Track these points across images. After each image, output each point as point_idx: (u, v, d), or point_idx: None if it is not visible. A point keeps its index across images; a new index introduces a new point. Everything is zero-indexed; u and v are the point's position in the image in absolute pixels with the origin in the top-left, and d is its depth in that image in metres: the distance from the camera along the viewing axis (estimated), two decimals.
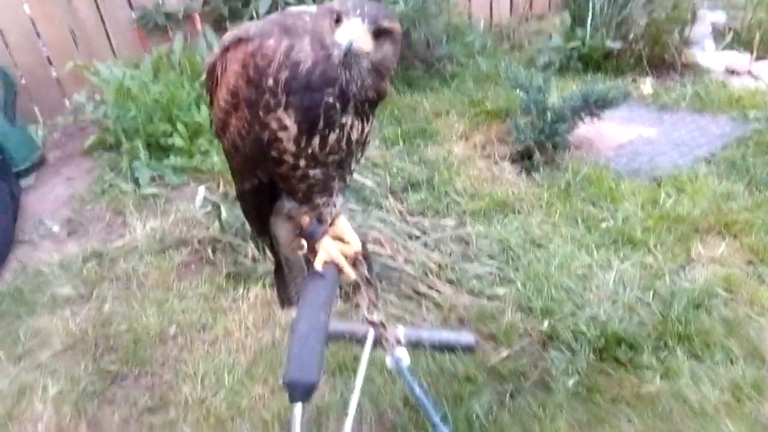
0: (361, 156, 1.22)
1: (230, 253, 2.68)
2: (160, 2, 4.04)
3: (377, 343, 2.06)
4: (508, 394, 1.95)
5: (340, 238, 1.38)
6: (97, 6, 3.93)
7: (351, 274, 1.38)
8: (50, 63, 3.95)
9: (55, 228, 3.00)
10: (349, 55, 0.95)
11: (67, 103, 4.01)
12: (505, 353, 2.11)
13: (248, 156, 1.13)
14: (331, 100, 0.98)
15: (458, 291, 2.45)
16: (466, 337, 2.21)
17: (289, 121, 1.03)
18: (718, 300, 2.23)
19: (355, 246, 1.40)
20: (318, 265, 1.31)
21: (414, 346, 2.09)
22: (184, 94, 3.42)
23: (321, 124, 1.01)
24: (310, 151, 1.07)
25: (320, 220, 1.33)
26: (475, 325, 2.26)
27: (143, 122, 3.30)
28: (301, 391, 1.23)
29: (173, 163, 3.28)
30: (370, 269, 1.49)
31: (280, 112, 1.03)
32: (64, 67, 3.71)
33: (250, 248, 2.60)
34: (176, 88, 3.41)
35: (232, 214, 2.74)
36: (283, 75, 0.99)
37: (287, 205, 1.25)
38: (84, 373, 2.16)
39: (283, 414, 1.97)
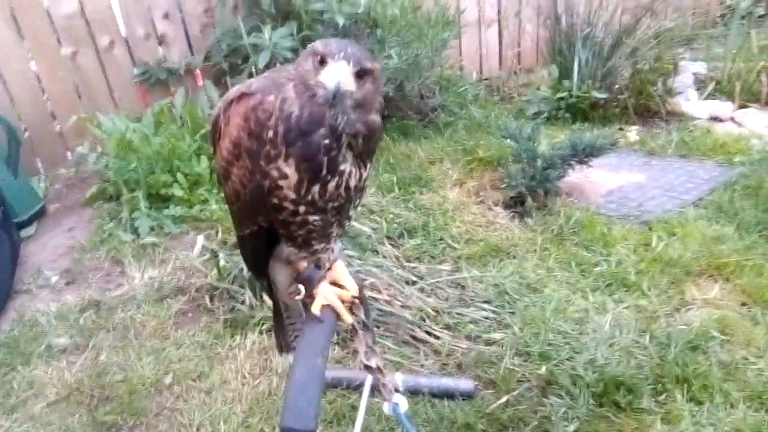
0: (359, 202, 1.27)
1: (228, 301, 2.69)
2: (162, 58, 4.20)
3: (375, 390, 2.06)
4: None
5: (337, 283, 1.41)
6: (101, 62, 4.08)
7: (348, 318, 1.40)
8: (54, 117, 4.06)
9: (54, 278, 3.01)
10: (337, 96, 1.01)
11: (69, 155, 4.10)
12: (504, 399, 2.09)
13: (249, 203, 1.18)
14: (327, 141, 1.04)
15: (456, 336, 2.46)
16: (465, 383, 2.22)
17: (289, 170, 1.09)
18: (714, 342, 2.24)
19: (352, 291, 1.43)
20: (315, 309, 1.34)
21: (412, 392, 2.09)
22: (185, 146, 3.51)
23: (324, 169, 1.06)
24: (309, 198, 1.12)
25: (318, 266, 1.37)
26: (473, 371, 2.26)
27: (144, 173, 3.37)
28: None
29: (173, 212, 3.33)
30: (367, 314, 1.51)
31: (280, 162, 1.09)
32: (67, 120, 3.81)
33: (248, 295, 2.61)
34: (177, 140, 3.50)
35: (230, 261, 2.77)
36: (281, 128, 1.06)
37: (286, 250, 1.29)
38: (78, 425, 2.13)
39: None
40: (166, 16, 4.20)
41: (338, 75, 1.02)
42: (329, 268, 1.39)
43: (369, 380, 1.82)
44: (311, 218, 1.16)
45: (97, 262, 3.11)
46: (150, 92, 4.22)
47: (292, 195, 1.11)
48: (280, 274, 1.41)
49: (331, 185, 1.10)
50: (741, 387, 2.04)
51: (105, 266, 3.07)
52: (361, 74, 1.05)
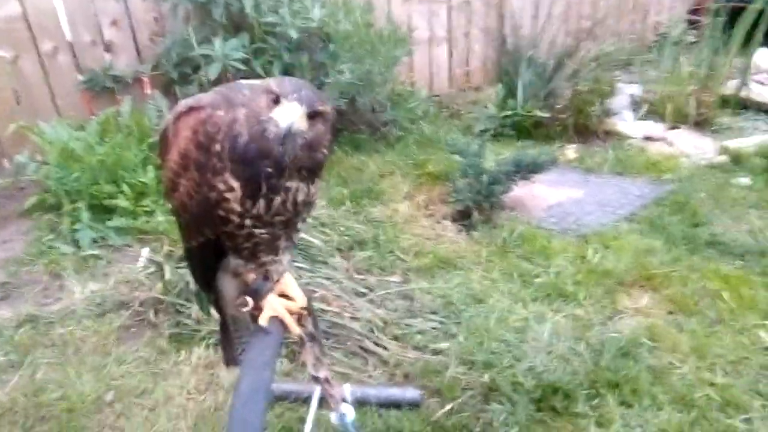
0: (308, 216, 1.30)
1: (173, 315, 2.65)
2: (109, 65, 4.10)
3: (323, 401, 2.08)
4: None
5: (285, 295, 1.44)
6: (43, 67, 3.95)
7: (296, 330, 1.42)
8: None
9: None
10: (288, 135, 1.06)
11: (6, 164, 3.93)
12: (448, 407, 2.16)
13: (196, 215, 1.20)
14: (269, 170, 1.07)
15: (403, 347, 2.51)
16: (412, 393, 2.26)
17: (235, 183, 1.11)
18: (643, 348, 2.38)
19: (300, 302, 1.45)
20: (263, 321, 1.36)
21: (360, 403, 2.12)
22: (131, 156, 3.44)
23: (263, 189, 1.10)
24: (255, 212, 1.15)
25: (266, 277, 1.39)
26: (420, 381, 2.31)
27: (87, 183, 3.28)
28: None
29: (117, 224, 3.24)
30: (315, 326, 1.54)
31: (227, 175, 1.11)
32: (5, 128, 3.66)
33: (194, 309, 2.58)
34: (123, 149, 3.43)
35: (176, 274, 2.73)
36: (226, 144, 1.09)
37: (233, 262, 1.31)
38: None
39: None
40: (114, 22, 4.11)
41: (291, 115, 1.05)
42: (277, 281, 1.42)
43: (317, 392, 1.85)
44: (257, 231, 1.19)
45: (35, 275, 2.99)
46: (95, 100, 4.11)
47: (237, 208, 1.13)
48: (228, 286, 1.42)
49: (277, 200, 1.13)
50: (667, 390, 2.19)
51: (43, 280, 2.95)
52: (312, 115, 1.09)
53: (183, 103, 1.18)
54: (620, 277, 2.85)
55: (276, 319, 1.39)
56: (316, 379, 1.55)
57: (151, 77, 4.18)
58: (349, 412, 1.71)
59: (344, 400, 1.67)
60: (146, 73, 4.17)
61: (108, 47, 4.14)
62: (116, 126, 3.65)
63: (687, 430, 2.03)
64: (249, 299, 1.42)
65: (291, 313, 1.41)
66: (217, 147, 1.09)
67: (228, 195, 1.12)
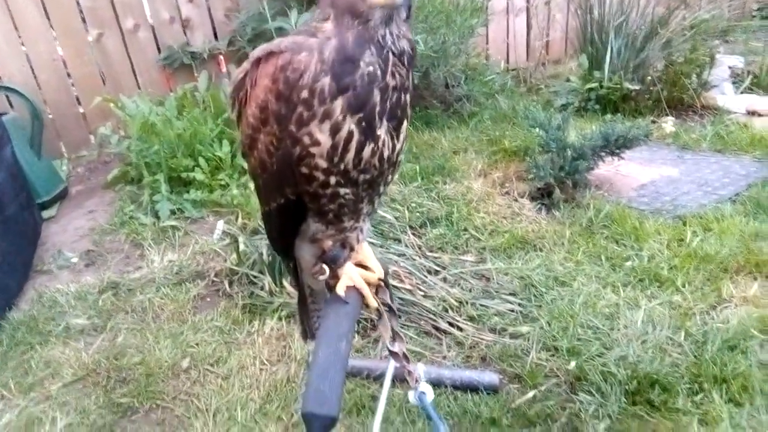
0: (392, 178, 1.19)
1: (247, 286, 2.65)
2: (186, 42, 4.17)
3: (396, 379, 1.98)
4: None
5: (362, 265, 1.34)
6: (125, 45, 4.06)
7: (373, 302, 1.33)
8: (78, 102, 4.06)
9: (74, 259, 3.00)
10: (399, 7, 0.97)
11: (92, 139, 4.10)
12: (531, 394, 2.01)
13: (276, 173, 1.11)
14: (371, 69, 0.97)
15: (480, 328, 2.37)
16: (490, 376, 2.14)
17: (322, 136, 1.01)
18: (754, 341, 2.12)
19: (378, 273, 1.36)
20: (340, 290, 1.27)
21: (435, 384, 2.01)
22: (207, 130, 3.47)
23: (376, 103, 0.99)
24: (342, 167, 1.05)
25: (344, 245, 1.30)
26: (498, 365, 2.18)
27: (166, 157, 3.35)
28: (319, 425, 1.16)
29: (193, 197, 3.30)
30: (391, 299, 1.44)
31: (313, 126, 1.01)
32: (90, 103, 3.81)
33: (267, 281, 2.56)
34: (199, 124, 3.47)
35: (250, 246, 2.72)
36: (323, 78, 0.98)
37: (313, 227, 1.22)
38: (94, 406, 2.10)
39: None
40: (190, 0, 4.17)
41: None
42: (355, 249, 1.33)
43: (391, 368, 1.76)
44: (342, 191, 1.09)
45: (117, 244, 3.10)
46: (173, 76, 4.20)
47: (323, 164, 1.04)
48: (306, 255, 1.34)
49: (367, 151, 1.03)
50: None
51: (125, 248, 3.05)
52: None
53: (260, 49, 1.09)
54: (724, 262, 2.56)
55: (353, 290, 1.30)
56: (392, 354, 1.46)
57: (227, 53, 4.21)
58: (429, 392, 1.61)
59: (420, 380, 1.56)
60: (222, 50, 4.21)
61: (185, 24, 4.21)
62: (193, 101, 3.71)
63: None
64: (325, 267, 1.34)
65: (369, 284, 1.33)
66: (304, 93, 0.99)
67: (313, 149, 1.02)
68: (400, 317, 2.41)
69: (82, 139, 4.12)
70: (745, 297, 2.37)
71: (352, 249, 1.32)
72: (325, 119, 0.99)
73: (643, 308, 2.35)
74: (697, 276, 2.51)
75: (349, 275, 1.29)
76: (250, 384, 2.17)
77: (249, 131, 1.11)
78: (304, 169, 1.04)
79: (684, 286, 2.46)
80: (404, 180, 3.47)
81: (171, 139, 3.37)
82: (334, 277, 1.30)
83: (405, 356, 1.48)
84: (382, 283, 1.38)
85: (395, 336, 1.43)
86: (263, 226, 1.31)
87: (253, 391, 2.14)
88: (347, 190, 1.09)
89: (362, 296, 1.31)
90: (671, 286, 2.47)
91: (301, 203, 1.14)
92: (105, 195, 3.57)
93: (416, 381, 1.55)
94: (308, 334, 1.49)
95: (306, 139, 1.01)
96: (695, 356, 2.08)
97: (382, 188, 1.18)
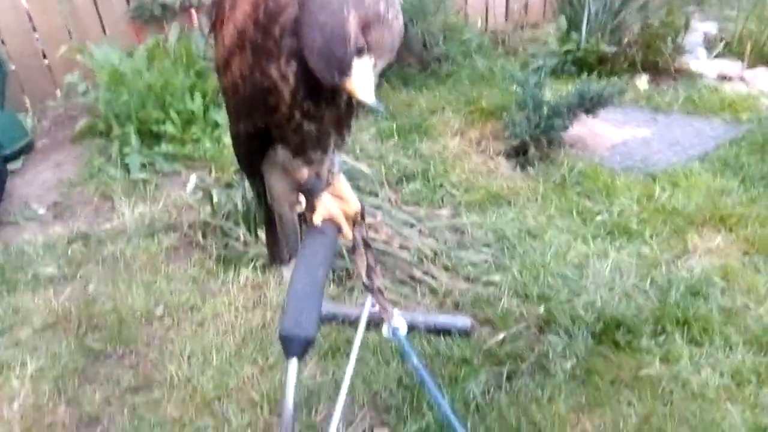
0: (358, 116, 1.19)
1: (221, 237, 2.63)
2: None
3: (372, 324, 2.01)
4: (504, 377, 1.91)
5: (339, 198, 1.35)
6: None
7: (349, 233, 1.34)
8: (44, 56, 3.90)
9: (41, 211, 2.92)
10: None
11: (58, 93, 3.96)
12: (501, 336, 2.06)
13: (247, 98, 1.10)
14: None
15: (454, 277, 2.41)
16: (462, 320, 2.19)
17: (290, 72, 1.00)
18: (715, 289, 2.20)
19: (354, 206, 1.36)
20: (317, 219, 1.28)
21: (409, 329, 2.04)
22: (178, 82, 3.38)
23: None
24: (305, 106, 1.05)
25: (319, 176, 1.30)
26: (470, 311, 2.22)
27: (135, 108, 3.25)
28: (297, 346, 1.18)
29: (165, 150, 3.23)
30: (368, 234, 1.45)
31: (283, 62, 1.00)
32: (56, 55, 3.66)
33: (241, 231, 2.54)
34: (170, 75, 3.37)
35: (224, 198, 2.69)
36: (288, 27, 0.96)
37: (281, 154, 1.22)
38: (65, 351, 2.08)
39: (273, 395, 1.90)
40: None
41: None
42: (331, 183, 1.33)
43: (367, 307, 1.78)
44: (306, 126, 1.09)
45: (86, 196, 3.03)
46: (143, 29, 4.05)
47: (288, 99, 1.03)
48: (278, 184, 1.34)
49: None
50: (741, 331, 2.02)
51: (94, 201, 2.98)
52: None
53: None
54: (691, 216, 2.64)
55: (330, 221, 1.31)
56: (369, 289, 1.48)
57: (198, 6, 4.07)
58: (402, 326, 1.64)
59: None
60: (194, 3, 4.07)
61: None
62: (164, 53, 3.59)
63: (764, 372, 1.87)
64: (302, 198, 1.34)
65: (346, 217, 1.33)
66: (277, 30, 0.97)
67: (280, 85, 1.01)
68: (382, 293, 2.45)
69: (48, 93, 3.96)
70: (710, 248, 2.45)
71: (329, 183, 1.32)
72: (293, 59, 0.97)
73: (611, 258, 2.42)
74: (665, 229, 2.58)
75: (326, 205, 1.29)
76: (225, 330, 2.17)
77: (225, 53, 1.09)
78: (271, 101, 1.03)
79: (651, 238, 2.53)
80: (381, 137, 3.46)
81: (141, 89, 3.27)
82: (310, 208, 1.31)
83: (380, 291, 1.50)
84: (359, 217, 1.39)
85: (371, 270, 1.44)
86: (231, 146, 1.30)
87: (228, 337, 2.14)
88: (311, 126, 1.09)
89: (339, 227, 1.32)
90: (639, 238, 2.54)
91: (268, 129, 1.14)
92: (72, 148, 3.47)
93: (390, 315, 1.57)
94: (276, 259, 1.50)
95: (274, 73, 1.00)
96: (659, 302, 2.15)
97: (351, 123, 1.19)
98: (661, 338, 2.00)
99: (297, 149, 1.17)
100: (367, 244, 1.43)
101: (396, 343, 1.72)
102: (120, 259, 2.55)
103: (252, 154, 1.25)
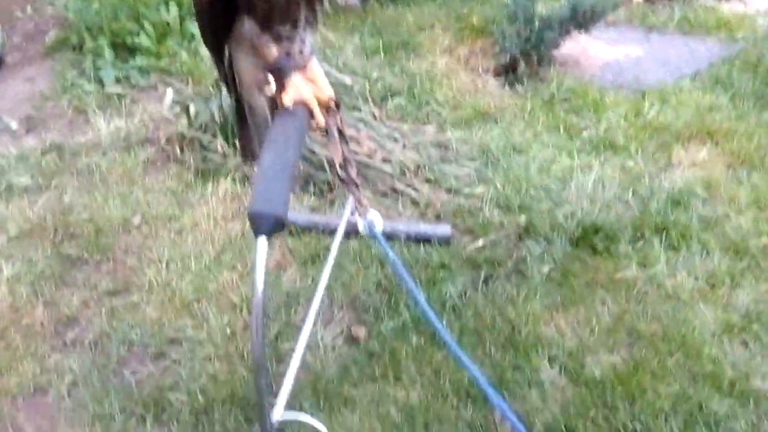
0: None
1: (199, 151, 2.56)
2: None
3: (351, 232, 1.98)
4: (482, 280, 1.92)
5: (311, 81, 1.28)
6: None
7: (321, 118, 1.29)
8: None
9: (14, 124, 2.83)
10: None
11: (28, 9, 3.75)
12: (481, 243, 2.06)
13: None
14: None
15: (436, 190, 2.39)
16: (443, 229, 2.18)
17: None
18: (697, 199, 2.20)
19: (327, 91, 1.31)
20: (287, 100, 1.22)
21: (390, 237, 2.03)
22: None
23: None
24: None
25: (288, 56, 1.23)
26: (452, 221, 2.21)
27: (108, 19, 3.10)
28: (266, 224, 1.15)
29: (140, 63, 3.10)
30: (342, 124, 1.40)
31: None
32: None
33: (220, 143, 2.48)
34: None
35: (202, 108, 2.61)
36: None
37: (248, 26, 1.15)
38: (41, 257, 2.06)
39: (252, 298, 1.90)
40: None
41: None
42: (302, 64, 1.26)
43: (347, 212, 1.75)
44: None
45: (59, 110, 2.93)
46: None
47: None
48: (246, 64, 1.27)
49: None
50: (719, 238, 2.03)
51: (68, 114, 2.89)
52: None
53: None
54: (678, 131, 2.60)
55: (301, 105, 1.25)
56: (343, 181, 1.44)
57: None
58: (377, 220, 1.62)
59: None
60: None
61: None
62: None
63: (737, 275, 1.89)
64: (271, 78, 1.28)
65: (318, 102, 1.27)
66: None
67: None
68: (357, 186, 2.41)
69: (18, 5, 3.76)
70: (694, 161, 2.44)
71: (301, 65, 1.26)
72: None
73: (595, 172, 2.39)
74: (651, 143, 2.55)
75: (297, 87, 1.23)
76: (204, 239, 2.16)
77: None
78: None
79: (637, 153, 2.50)
80: (366, 53, 3.34)
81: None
82: (281, 90, 1.25)
83: (355, 184, 1.46)
84: (333, 104, 1.33)
85: (347, 163, 1.40)
86: (196, 23, 1.23)
87: (207, 245, 2.13)
88: None
89: (311, 112, 1.27)
90: (625, 152, 2.51)
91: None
92: (44, 63, 3.32)
93: (366, 209, 1.55)
94: (248, 155, 1.46)
95: None
96: (640, 211, 2.15)
97: None
98: (639, 244, 2.01)
99: (264, 20, 1.11)
100: (342, 135, 1.38)
101: (371, 238, 1.71)
102: (95, 171, 2.49)
103: (217, 28, 1.18)
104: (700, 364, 1.62)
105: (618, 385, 1.55)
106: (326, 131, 1.35)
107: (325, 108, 1.31)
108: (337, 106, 1.37)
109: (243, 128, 1.43)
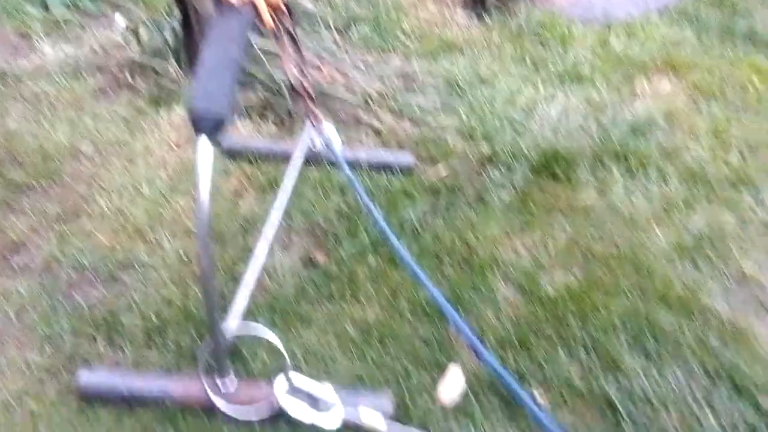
0: None
1: (152, 77, 2.44)
2: None
3: (309, 161, 1.93)
4: (443, 207, 1.91)
5: None
6: None
7: (268, 17, 1.22)
8: None
9: None
10: None
11: None
12: (443, 172, 2.04)
13: None
14: None
15: (399, 119, 2.34)
16: (405, 157, 2.15)
17: None
18: (657, 128, 2.21)
19: None
20: None
21: (351, 166, 1.99)
22: None
23: None
24: None
25: None
26: (415, 150, 2.18)
27: None
28: (207, 124, 1.10)
29: None
30: (294, 28, 1.33)
31: None
32: None
33: (172, 68, 2.36)
34: None
35: (154, 33, 2.47)
36: None
37: None
38: None
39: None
40: None
41: None
42: None
43: (306, 135, 1.70)
44: None
45: (2, 35, 2.73)
46: None
47: None
48: None
49: None
50: (677, 166, 2.05)
51: (10, 39, 2.70)
52: None
53: None
54: (643, 64, 2.59)
55: (248, 5, 1.18)
56: (295, 90, 1.39)
57: None
58: (335, 137, 1.58)
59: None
60: None
61: None
62: None
63: (692, 200, 1.92)
64: None
65: (268, 3, 1.20)
66: None
67: None
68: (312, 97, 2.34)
69: None
70: (657, 92, 2.44)
71: None
72: None
73: (559, 102, 2.38)
74: (616, 75, 2.54)
75: None
76: (157, 165, 2.08)
77: None
78: None
79: (601, 84, 2.48)
80: None
81: None
82: None
83: (309, 95, 1.41)
84: (283, 5, 1.26)
85: (301, 72, 1.34)
86: None
87: (160, 171, 2.05)
88: None
89: (258, 12, 1.20)
90: (589, 83, 2.49)
91: None
92: None
93: (320, 122, 1.50)
94: (194, 61, 1.38)
95: None
96: (601, 140, 2.15)
97: None
98: (599, 171, 2.02)
99: None
100: (294, 41, 1.32)
101: (327, 154, 1.67)
102: (42, 98, 2.35)
103: None
104: (652, 282, 1.66)
105: (571, 302, 1.58)
106: (275, 36, 1.29)
107: (274, 9, 1.24)
108: (289, 10, 1.30)
109: (189, 35, 1.35)
